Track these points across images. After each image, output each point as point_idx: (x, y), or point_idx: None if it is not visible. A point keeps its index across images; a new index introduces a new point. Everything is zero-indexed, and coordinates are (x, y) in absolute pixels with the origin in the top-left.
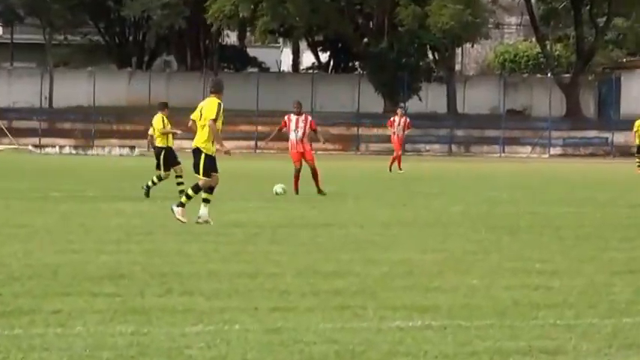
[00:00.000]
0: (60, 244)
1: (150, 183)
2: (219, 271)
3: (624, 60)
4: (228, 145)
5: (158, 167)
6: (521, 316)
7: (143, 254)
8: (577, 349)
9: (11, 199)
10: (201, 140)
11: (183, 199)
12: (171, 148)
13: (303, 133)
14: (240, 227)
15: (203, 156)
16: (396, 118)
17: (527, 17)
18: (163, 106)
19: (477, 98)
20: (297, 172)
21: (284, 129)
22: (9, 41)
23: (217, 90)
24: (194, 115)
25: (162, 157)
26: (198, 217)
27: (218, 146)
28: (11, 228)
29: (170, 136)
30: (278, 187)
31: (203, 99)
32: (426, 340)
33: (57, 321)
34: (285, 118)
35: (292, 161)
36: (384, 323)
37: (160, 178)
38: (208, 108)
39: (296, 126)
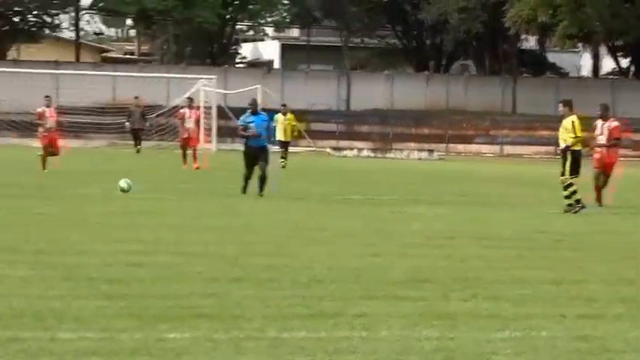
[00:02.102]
0: (361, 247)
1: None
2: (524, 277)
3: None
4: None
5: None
6: None
7: (445, 259)
8: None
9: (311, 202)
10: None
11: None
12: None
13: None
14: (542, 234)
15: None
16: None
17: None
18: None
19: None
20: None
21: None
22: (306, 43)
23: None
24: None
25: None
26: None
27: None
28: (312, 231)
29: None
30: (123, 182)
31: (501, 104)
32: None
33: (362, 324)
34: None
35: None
36: None
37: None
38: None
39: (601, 132)
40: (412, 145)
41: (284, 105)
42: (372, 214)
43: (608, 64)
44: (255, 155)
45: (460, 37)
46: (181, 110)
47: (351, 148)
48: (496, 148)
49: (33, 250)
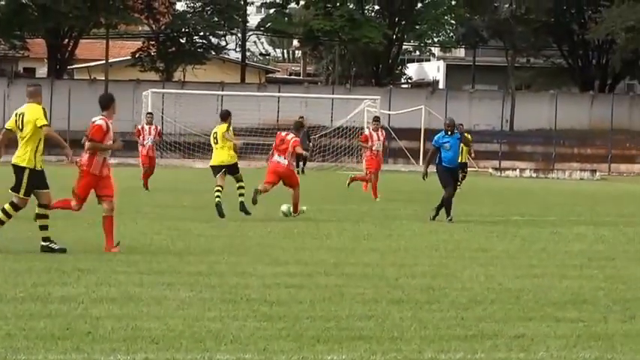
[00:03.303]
0: (521, 268)
1: None
2: None
3: None
4: None
5: None
6: None
7: (606, 280)
8: None
9: (472, 223)
10: None
11: None
12: None
13: None
14: None
15: None
16: None
17: None
18: None
19: None
20: None
21: None
22: (471, 64)
23: None
24: None
25: None
26: None
27: None
28: (472, 252)
29: None
30: (284, 207)
31: None
32: None
33: (520, 346)
34: None
35: None
36: None
37: None
38: None
39: None
40: (575, 165)
41: (461, 124)
42: (532, 234)
43: None
44: (451, 174)
45: (627, 57)
46: (366, 132)
47: (514, 169)
48: None
49: (192, 272)
